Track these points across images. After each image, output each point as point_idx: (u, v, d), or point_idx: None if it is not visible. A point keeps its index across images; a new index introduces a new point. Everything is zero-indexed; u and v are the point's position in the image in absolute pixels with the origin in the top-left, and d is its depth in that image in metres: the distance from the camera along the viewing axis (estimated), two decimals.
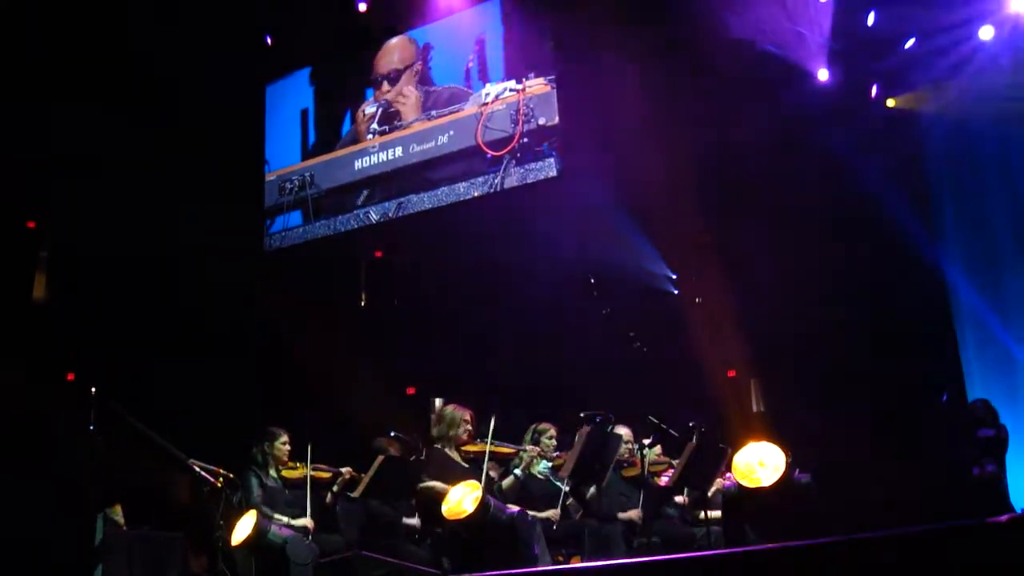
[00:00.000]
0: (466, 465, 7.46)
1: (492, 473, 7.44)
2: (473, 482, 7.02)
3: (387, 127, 10.77)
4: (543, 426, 7.76)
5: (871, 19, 9.65)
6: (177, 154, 10.66)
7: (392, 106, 10.81)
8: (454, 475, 7.24)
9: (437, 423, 7.65)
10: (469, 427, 7.53)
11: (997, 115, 9.79)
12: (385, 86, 10.93)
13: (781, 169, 9.68)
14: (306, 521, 7.57)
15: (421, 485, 7.29)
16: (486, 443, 7.33)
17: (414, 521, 7.68)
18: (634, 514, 7.62)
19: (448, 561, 7.12)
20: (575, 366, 9.93)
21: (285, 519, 7.55)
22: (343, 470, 7.72)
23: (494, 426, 7.26)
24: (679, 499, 8.02)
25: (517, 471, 7.51)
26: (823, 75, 9.97)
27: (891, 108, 10.11)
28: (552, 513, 7.28)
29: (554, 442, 7.68)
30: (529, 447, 7.56)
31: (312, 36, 11.25)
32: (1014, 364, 9.69)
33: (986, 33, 9.55)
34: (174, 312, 10.81)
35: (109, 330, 10.42)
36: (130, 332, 10.49)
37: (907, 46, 9.74)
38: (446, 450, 7.50)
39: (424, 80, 10.73)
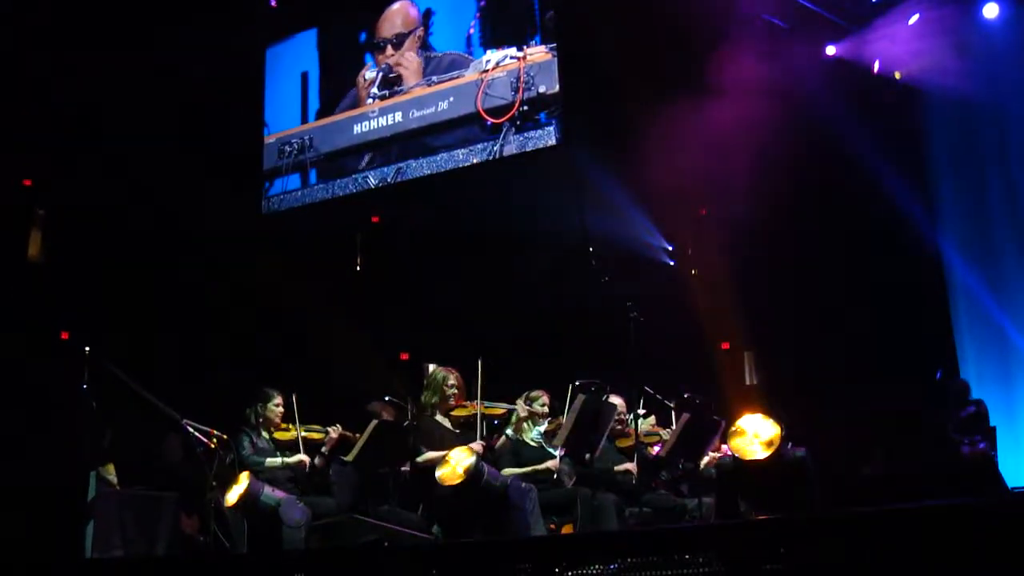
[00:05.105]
0: (456, 431, 7.48)
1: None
2: (468, 447, 7.04)
3: (388, 91, 10.71)
4: (535, 393, 7.75)
5: None
6: (176, 113, 10.61)
7: (393, 71, 10.73)
8: (445, 443, 7.25)
9: (425, 389, 7.64)
10: (456, 390, 7.52)
11: (997, 94, 9.78)
12: (389, 50, 10.82)
13: (780, 144, 9.65)
14: (302, 456, 7.59)
15: (420, 459, 7.27)
16: (477, 404, 7.36)
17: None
18: (630, 465, 7.62)
19: (440, 527, 7.15)
20: (571, 335, 9.93)
21: (279, 460, 7.56)
22: (330, 429, 7.71)
23: (482, 384, 7.27)
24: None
25: (508, 431, 7.52)
26: (829, 50, 9.95)
27: (892, 84, 10.07)
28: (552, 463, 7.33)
29: (546, 409, 7.68)
30: (520, 404, 7.55)
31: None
32: (1007, 342, 9.72)
33: (990, 11, 9.53)
34: (170, 272, 10.78)
35: (104, 289, 10.39)
36: (125, 291, 10.47)
37: (911, 22, 9.71)
38: (436, 418, 7.49)
39: (425, 46, 10.65)
